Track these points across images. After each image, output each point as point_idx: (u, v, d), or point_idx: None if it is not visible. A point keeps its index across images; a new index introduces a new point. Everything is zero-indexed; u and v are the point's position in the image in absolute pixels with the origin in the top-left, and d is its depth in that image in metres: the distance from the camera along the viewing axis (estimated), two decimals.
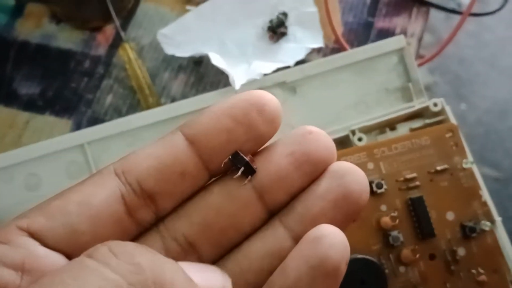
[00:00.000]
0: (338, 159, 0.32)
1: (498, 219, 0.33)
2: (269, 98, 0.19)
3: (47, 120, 0.39)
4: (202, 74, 0.41)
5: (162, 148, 0.19)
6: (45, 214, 0.17)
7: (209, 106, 0.20)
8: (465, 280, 0.32)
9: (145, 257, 0.15)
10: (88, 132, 0.35)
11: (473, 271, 0.32)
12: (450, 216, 0.32)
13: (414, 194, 0.32)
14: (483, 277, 0.32)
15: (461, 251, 0.32)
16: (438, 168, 0.33)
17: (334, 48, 0.42)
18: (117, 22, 0.41)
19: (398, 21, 0.43)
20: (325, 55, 0.42)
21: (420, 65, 0.41)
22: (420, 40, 0.43)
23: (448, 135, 0.33)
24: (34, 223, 0.17)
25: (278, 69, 0.38)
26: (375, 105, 0.38)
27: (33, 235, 0.17)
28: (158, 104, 0.39)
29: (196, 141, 0.19)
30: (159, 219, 0.19)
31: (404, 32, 0.43)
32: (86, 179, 0.18)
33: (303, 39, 0.41)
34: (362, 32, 0.43)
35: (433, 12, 0.44)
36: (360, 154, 0.33)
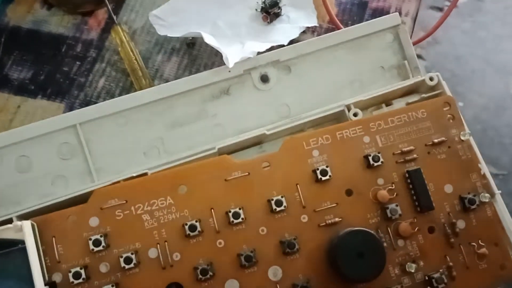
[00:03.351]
0: (334, 133, 0.32)
1: (497, 192, 0.33)
2: None
3: (39, 104, 0.39)
4: (195, 56, 0.40)
5: None
6: None
7: None
8: (465, 253, 0.31)
9: None
10: (80, 113, 0.35)
11: (473, 243, 0.31)
12: (448, 188, 0.32)
13: (412, 167, 0.32)
14: (483, 250, 0.31)
15: (460, 224, 0.31)
16: (435, 140, 0.32)
17: (328, 28, 0.42)
18: (109, 6, 0.40)
19: (393, 1, 0.43)
20: (319, 35, 0.41)
21: (415, 43, 0.40)
22: (414, 19, 0.43)
23: (445, 107, 0.33)
24: None
25: (272, 48, 0.37)
26: (371, 83, 0.38)
27: None
28: (151, 86, 0.39)
29: None
30: None
31: (398, 11, 0.42)
32: None
33: (297, 19, 0.41)
34: (356, 12, 0.42)
35: (429, 12, 0.44)
36: (356, 128, 0.32)
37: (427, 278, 0.30)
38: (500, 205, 0.33)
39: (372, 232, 0.30)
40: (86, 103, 0.39)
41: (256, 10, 0.41)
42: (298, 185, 0.31)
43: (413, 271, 0.30)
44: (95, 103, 0.39)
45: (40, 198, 0.33)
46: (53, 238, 0.29)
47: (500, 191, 0.33)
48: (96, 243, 0.29)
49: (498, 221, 0.32)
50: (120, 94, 0.39)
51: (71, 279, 0.28)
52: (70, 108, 0.39)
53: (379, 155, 0.31)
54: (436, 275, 0.30)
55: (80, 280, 0.28)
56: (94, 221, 0.29)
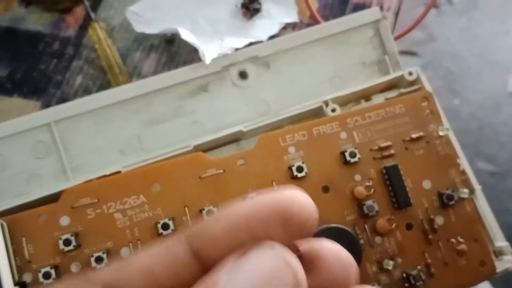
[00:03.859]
0: (310, 129, 0.32)
1: (478, 187, 0.32)
2: (299, 206, 0.16)
3: (15, 102, 0.38)
4: (174, 53, 0.40)
5: (159, 261, 0.16)
6: None
7: (224, 210, 0.16)
8: (444, 249, 0.30)
9: None
10: (55, 110, 0.34)
11: (452, 240, 0.31)
12: (426, 184, 0.31)
13: (389, 162, 0.31)
14: (462, 246, 0.30)
15: (439, 220, 0.31)
16: (413, 136, 0.32)
17: (309, 24, 0.41)
18: (87, 3, 0.40)
19: None
20: None
21: (396, 38, 0.40)
22: (396, 14, 0.42)
23: (423, 102, 0.33)
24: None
25: (251, 44, 0.37)
26: (351, 79, 0.37)
27: None
28: (129, 83, 0.38)
29: (202, 256, 0.16)
30: None
31: (380, 6, 0.42)
32: None
33: (277, 15, 0.40)
34: (337, 8, 0.42)
35: (423, 9, 0.43)
36: (333, 124, 0.32)
37: (405, 275, 0.30)
38: (481, 201, 0.32)
39: (349, 229, 0.29)
40: (63, 101, 0.38)
41: (236, 6, 0.40)
42: (274, 182, 0.31)
43: (390, 268, 0.30)
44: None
45: (14, 197, 0.32)
46: (23, 238, 0.28)
47: (480, 187, 0.33)
48: (67, 242, 0.28)
49: (477, 217, 0.31)
50: (97, 92, 0.39)
51: (41, 279, 0.28)
52: (47, 106, 0.38)
53: (356, 151, 0.31)
54: (414, 272, 0.30)
55: (51, 280, 0.28)
56: (65, 220, 0.29)
